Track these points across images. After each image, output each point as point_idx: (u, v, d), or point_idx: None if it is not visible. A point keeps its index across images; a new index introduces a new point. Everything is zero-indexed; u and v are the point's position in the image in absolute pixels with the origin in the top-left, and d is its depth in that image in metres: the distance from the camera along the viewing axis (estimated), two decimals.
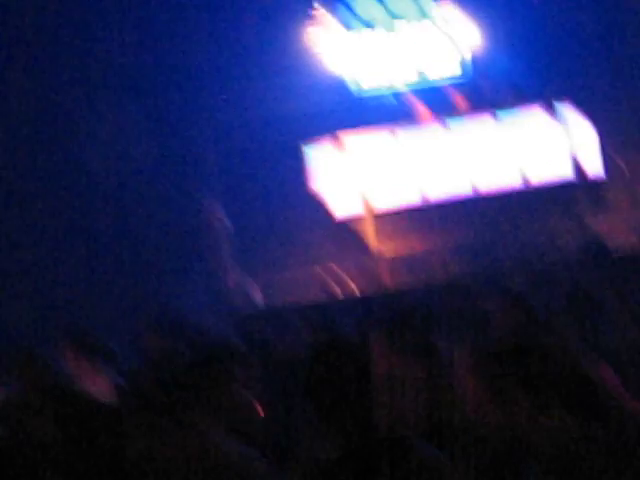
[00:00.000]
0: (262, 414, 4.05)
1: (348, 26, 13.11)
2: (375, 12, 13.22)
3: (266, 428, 4.22)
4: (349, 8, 13.21)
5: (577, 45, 13.14)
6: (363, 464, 2.73)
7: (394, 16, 13.20)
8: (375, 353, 3.41)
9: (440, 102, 12.65)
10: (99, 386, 5.20)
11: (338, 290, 11.95)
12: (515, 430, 2.68)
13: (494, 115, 12.27)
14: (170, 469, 3.16)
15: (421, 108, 12.51)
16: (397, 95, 13.06)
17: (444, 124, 12.30)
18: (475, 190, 11.77)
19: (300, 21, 13.03)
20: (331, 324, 7.00)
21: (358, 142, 12.14)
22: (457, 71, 13.10)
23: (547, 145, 11.84)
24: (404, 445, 2.79)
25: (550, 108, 11.80)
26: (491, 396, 2.72)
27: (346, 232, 11.77)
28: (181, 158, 13.53)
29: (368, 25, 13.22)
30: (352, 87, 13.45)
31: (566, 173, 11.91)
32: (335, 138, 12.30)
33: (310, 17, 13.01)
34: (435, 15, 13.15)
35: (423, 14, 13.18)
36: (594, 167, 12.11)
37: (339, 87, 13.20)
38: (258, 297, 12.82)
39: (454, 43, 13.06)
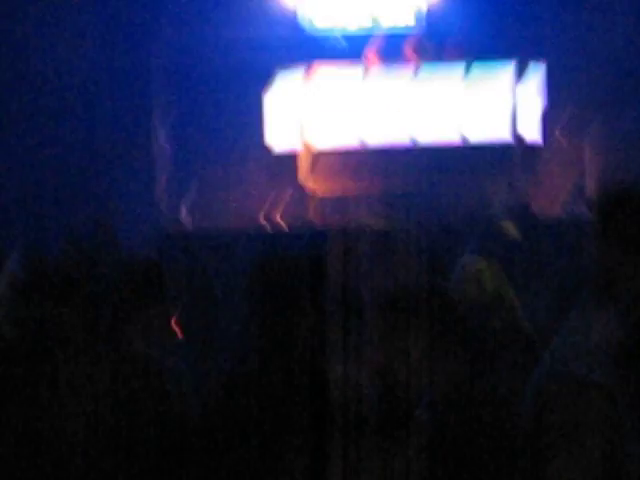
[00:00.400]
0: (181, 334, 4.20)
1: None
2: None
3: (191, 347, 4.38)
4: None
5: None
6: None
7: None
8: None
9: (396, 49, 12.62)
10: None
11: (268, 221, 12.10)
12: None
13: (452, 67, 12.24)
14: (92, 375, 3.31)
15: (375, 52, 12.49)
16: (357, 36, 13.17)
17: (397, 69, 12.22)
18: (416, 140, 11.82)
19: None
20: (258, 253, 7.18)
21: (316, 75, 11.86)
22: (417, 20, 13.28)
23: (496, 103, 11.81)
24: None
25: (516, 67, 11.69)
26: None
27: (284, 166, 11.84)
28: (130, 75, 13.54)
29: None
30: (304, 22, 13.54)
31: (507, 134, 11.99)
32: (295, 69, 12.06)
33: None
34: None
35: None
36: (535, 132, 12.24)
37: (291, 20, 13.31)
38: (188, 220, 12.93)
39: None
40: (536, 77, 11.99)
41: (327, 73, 11.53)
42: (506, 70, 11.82)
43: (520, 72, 11.80)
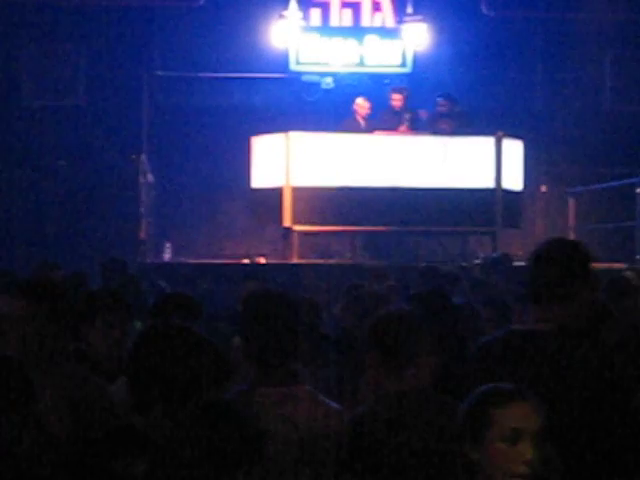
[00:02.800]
0: None
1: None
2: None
3: None
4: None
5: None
6: None
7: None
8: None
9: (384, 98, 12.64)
10: None
11: (251, 257, 12.09)
12: None
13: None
14: None
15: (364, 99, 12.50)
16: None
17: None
18: (399, 185, 11.72)
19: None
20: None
21: (301, 138, 11.73)
22: (404, 63, 13.48)
23: (480, 153, 11.69)
24: None
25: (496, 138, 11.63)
26: None
27: (266, 204, 11.80)
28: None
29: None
30: (293, 64, 13.66)
31: (491, 183, 11.86)
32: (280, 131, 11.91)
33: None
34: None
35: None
36: (518, 182, 12.20)
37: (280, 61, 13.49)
38: (169, 253, 12.92)
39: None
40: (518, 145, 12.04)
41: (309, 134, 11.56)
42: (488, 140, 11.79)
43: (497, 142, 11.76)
